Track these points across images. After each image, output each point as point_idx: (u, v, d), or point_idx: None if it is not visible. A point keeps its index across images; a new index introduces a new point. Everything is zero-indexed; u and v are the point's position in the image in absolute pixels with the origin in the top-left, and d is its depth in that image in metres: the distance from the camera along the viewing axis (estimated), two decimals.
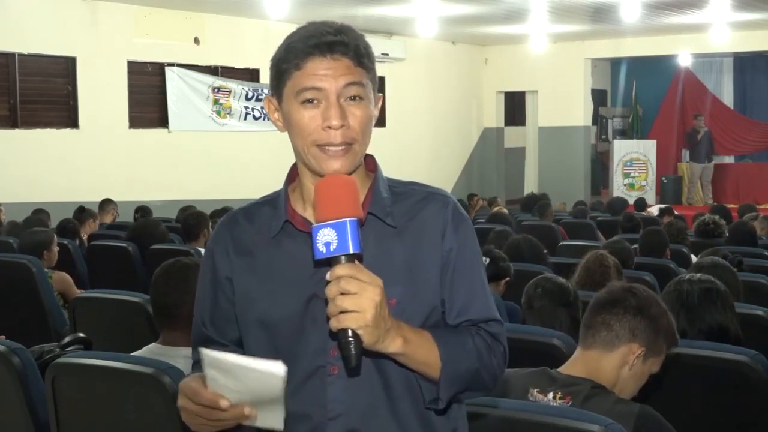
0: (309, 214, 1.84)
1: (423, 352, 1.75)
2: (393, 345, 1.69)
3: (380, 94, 1.87)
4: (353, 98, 1.77)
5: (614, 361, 2.58)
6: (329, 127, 1.75)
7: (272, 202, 1.90)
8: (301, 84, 1.76)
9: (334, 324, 1.62)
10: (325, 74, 1.75)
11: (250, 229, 1.89)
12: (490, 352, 1.82)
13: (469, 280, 1.85)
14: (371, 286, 1.62)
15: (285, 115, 1.82)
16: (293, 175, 1.91)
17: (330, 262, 1.65)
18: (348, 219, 1.64)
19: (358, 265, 1.64)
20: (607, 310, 2.59)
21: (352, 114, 1.77)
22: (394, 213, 1.84)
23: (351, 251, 1.63)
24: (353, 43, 1.77)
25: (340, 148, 1.76)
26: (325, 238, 1.64)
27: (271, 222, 1.86)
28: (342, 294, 1.61)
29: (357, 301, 1.61)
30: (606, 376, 2.57)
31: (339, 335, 1.64)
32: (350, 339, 1.62)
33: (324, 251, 1.64)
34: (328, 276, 1.63)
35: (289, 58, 1.77)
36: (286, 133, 1.87)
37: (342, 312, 1.61)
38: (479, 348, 1.81)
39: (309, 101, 1.77)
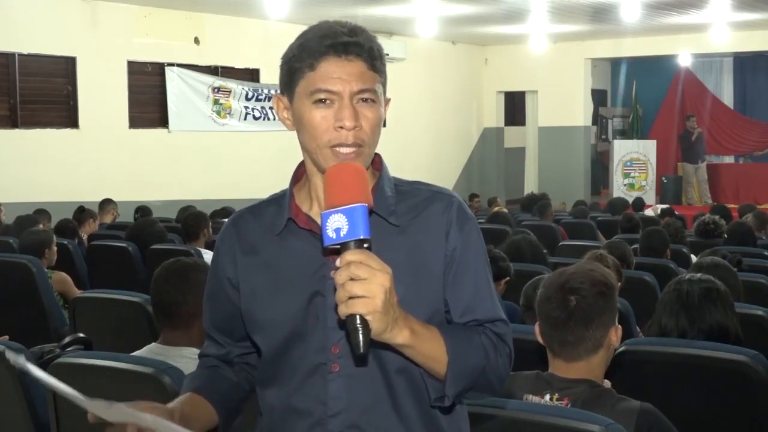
0: (314, 213, 1.84)
1: (430, 345, 1.74)
2: (401, 335, 1.68)
3: (389, 98, 1.88)
4: (365, 100, 1.78)
5: (604, 353, 2.61)
6: (341, 128, 1.75)
7: (278, 200, 1.91)
8: (314, 85, 1.76)
9: (343, 310, 1.61)
10: (339, 77, 1.75)
11: (256, 227, 1.90)
12: (496, 352, 1.82)
13: (473, 280, 1.85)
14: (381, 272, 1.61)
15: (296, 114, 1.82)
16: (299, 174, 1.91)
17: (339, 250, 1.64)
18: (359, 204, 1.64)
19: (368, 252, 1.63)
20: (572, 325, 2.56)
21: (364, 116, 1.77)
22: (397, 212, 1.84)
23: (361, 236, 1.62)
24: (367, 45, 1.78)
25: (351, 149, 1.76)
26: (335, 224, 1.63)
27: (275, 220, 1.87)
28: (351, 280, 1.60)
29: (367, 287, 1.59)
30: (598, 370, 2.60)
31: (347, 322, 1.62)
32: (358, 326, 1.60)
33: (334, 237, 1.63)
34: (337, 262, 1.62)
35: (303, 57, 1.77)
36: (286, 134, 1.88)
37: (351, 297, 1.60)
38: (486, 346, 1.81)
39: (322, 101, 1.77)
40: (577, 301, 2.56)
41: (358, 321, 1.61)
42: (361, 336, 1.61)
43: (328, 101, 1.77)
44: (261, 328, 1.87)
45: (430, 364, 1.76)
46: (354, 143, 1.76)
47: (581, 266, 2.70)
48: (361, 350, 1.62)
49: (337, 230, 1.63)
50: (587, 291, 2.57)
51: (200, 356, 2.05)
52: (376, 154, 1.87)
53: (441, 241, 1.83)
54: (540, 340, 2.67)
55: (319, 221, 1.76)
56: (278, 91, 1.87)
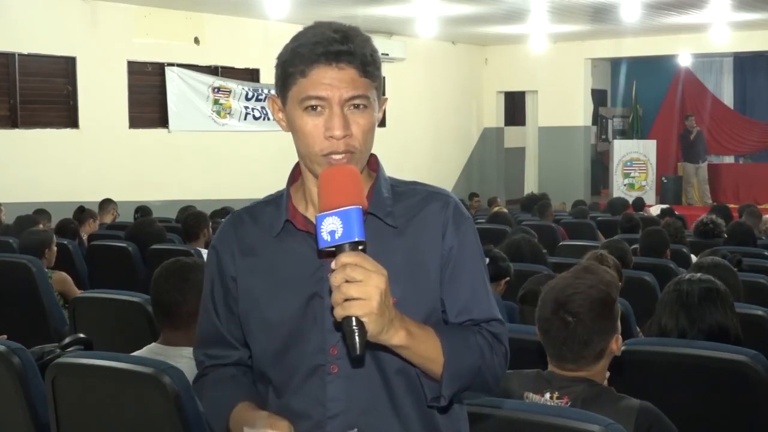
0: (310, 214, 1.85)
1: (426, 346, 1.74)
2: (397, 337, 1.68)
3: (385, 97, 1.87)
4: (357, 106, 1.78)
5: (604, 362, 2.61)
6: (331, 137, 1.75)
7: (276, 201, 1.91)
8: (305, 91, 1.77)
9: (339, 312, 1.61)
10: (329, 83, 1.75)
11: (254, 229, 1.90)
12: (492, 351, 1.82)
13: (470, 280, 1.85)
14: (376, 274, 1.62)
15: (288, 118, 1.83)
16: (296, 175, 1.91)
17: (334, 252, 1.64)
18: (353, 207, 1.64)
19: (362, 254, 1.64)
20: (570, 345, 2.55)
21: (356, 123, 1.77)
22: (394, 213, 1.84)
23: (356, 239, 1.63)
24: (359, 52, 1.77)
25: (342, 156, 1.76)
26: (330, 227, 1.63)
27: (273, 221, 1.87)
28: (347, 282, 1.60)
29: (362, 289, 1.60)
30: (599, 376, 2.60)
31: (343, 323, 1.62)
32: (354, 327, 1.61)
33: (329, 240, 1.63)
34: (333, 264, 1.63)
35: (295, 63, 1.77)
36: (286, 134, 1.88)
37: (347, 300, 1.60)
38: (482, 346, 1.81)
39: (312, 108, 1.77)
40: (575, 324, 2.54)
41: (354, 323, 1.61)
42: (357, 338, 1.61)
43: (318, 108, 1.76)
44: (259, 330, 1.87)
45: (427, 365, 1.76)
46: (345, 151, 1.76)
47: (580, 281, 2.60)
48: (357, 352, 1.62)
49: (332, 233, 1.63)
50: (586, 314, 2.54)
51: (213, 365, 1.97)
52: (372, 155, 1.87)
53: (437, 240, 1.83)
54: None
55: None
56: (274, 92, 1.87)
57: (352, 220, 1.63)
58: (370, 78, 1.79)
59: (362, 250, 1.64)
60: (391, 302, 1.65)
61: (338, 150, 1.76)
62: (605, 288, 2.60)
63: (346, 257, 1.62)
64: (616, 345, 2.61)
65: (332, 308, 1.63)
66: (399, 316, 1.69)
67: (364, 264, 1.61)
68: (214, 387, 1.95)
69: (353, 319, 1.61)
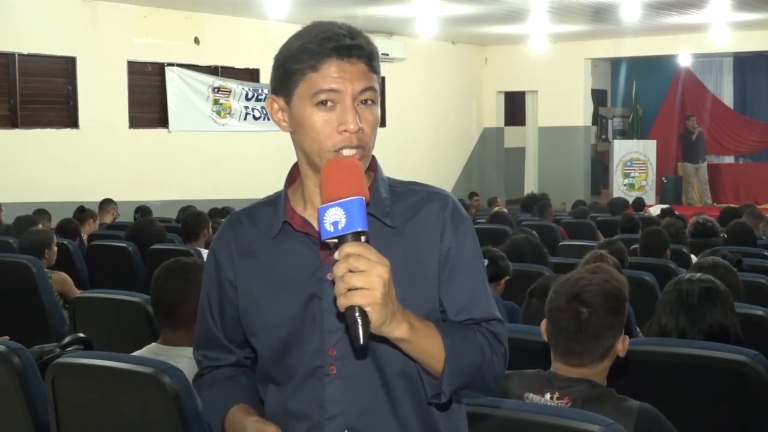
0: (309, 215, 1.84)
1: (427, 341, 1.74)
2: (399, 329, 1.68)
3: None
4: (365, 102, 1.78)
5: (608, 362, 2.62)
6: (345, 131, 1.75)
7: (274, 202, 1.91)
8: (317, 85, 1.76)
9: (343, 301, 1.60)
10: (341, 76, 1.75)
11: (252, 230, 1.90)
12: (492, 351, 1.82)
13: (469, 280, 1.85)
14: (380, 264, 1.61)
15: (295, 116, 1.81)
16: (294, 176, 1.91)
17: (336, 244, 1.63)
18: (356, 197, 1.64)
19: (366, 244, 1.63)
20: (581, 337, 2.56)
21: (365, 118, 1.78)
22: (393, 213, 1.84)
23: (359, 229, 1.62)
24: (368, 48, 1.79)
25: (354, 151, 1.76)
26: (333, 218, 1.62)
27: (271, 223, 1.87)
28: (350, 272, 1.60)
29: (366, 279, 1.59)
30: (601, 376, 2.61)
31: (346, 314, 1.62)
32: (357, 317, 1.60)
33: (332, 230, 1.62)
34: (336, 255, 1.62)
35: (303, 58, 1.77)
36: (286, 134, 1.87)
37: (350, 290, 1.60)
38: (482, 345, 1.81)
39: (323, 103, 1.76)
40: (588, 314, 2.55)
41: (357, 312, 1.60)
42: (360, 327, 1.60)
43: (329, 103, 1.76)
44: (259, 331, 1.87)
45: (427, 360, 1.76)
46: (357, 145, 1.76)
47: (596, 276, 2.64)
48: (361, 342, 1.61)
49: (335, 223, 1.62)
50: (599, 306, 2.55)
51: (211, 366, 1.98)
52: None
53: (436, 241, 1.83)
54: (545, 337, 2.67)
55: (313, 223, 1.77)
56: (272, 92, 1.86)
57: (355, 210, 1.63)
58: (376, 73, 1.81)
59: (365, 241, 1.64)
60: (394, 293, 1.65)
61: (351, 144, 1.76)
62: (618, 285, 2.63)
63: (349, 247, 1.61)
64: (622, 346, 2.61)
65: (335, 303, 1.62)
66: (401, 309, 1.68)
67: (367, 254, 1.61)
68: (210, 388, 1.96)
69: (356, 308, 1.60)
